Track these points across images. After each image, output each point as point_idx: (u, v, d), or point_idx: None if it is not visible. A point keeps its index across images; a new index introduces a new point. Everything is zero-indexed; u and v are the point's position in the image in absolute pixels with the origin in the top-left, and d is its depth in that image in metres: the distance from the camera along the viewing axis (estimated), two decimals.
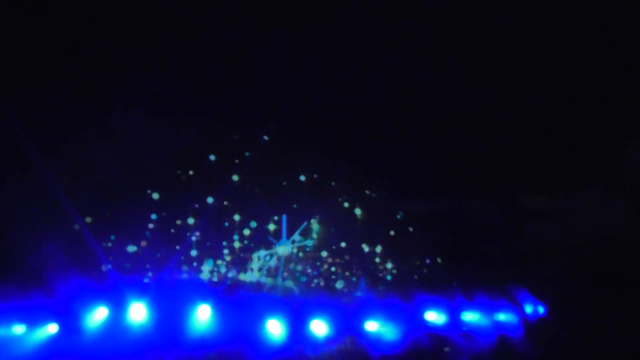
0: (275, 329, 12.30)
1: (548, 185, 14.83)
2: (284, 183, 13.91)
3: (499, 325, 13.13)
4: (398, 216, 14.20)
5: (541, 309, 13.56)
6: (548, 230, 14.77)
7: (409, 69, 14.11)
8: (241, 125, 13.95)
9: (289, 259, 13.49)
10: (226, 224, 13.70)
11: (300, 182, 13.98)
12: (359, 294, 13.24)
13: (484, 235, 14.48)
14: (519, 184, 14.79)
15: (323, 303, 12.59)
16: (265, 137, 13.78)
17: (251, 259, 13.62)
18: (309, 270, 13.59)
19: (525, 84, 14.17)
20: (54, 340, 11.87)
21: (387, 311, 12.55)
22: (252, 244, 13.62)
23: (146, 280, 12.90)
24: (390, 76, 14.29)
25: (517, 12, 13.49)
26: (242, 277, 13.58)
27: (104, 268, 12.72)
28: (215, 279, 13.49)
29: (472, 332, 12.95)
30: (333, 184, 14.04)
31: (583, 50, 13.87)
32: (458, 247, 14.12)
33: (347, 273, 13.57)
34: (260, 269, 13.55)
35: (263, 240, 13.59)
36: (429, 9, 13.52)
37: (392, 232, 14.07)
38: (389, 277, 13.76)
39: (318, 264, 13.61)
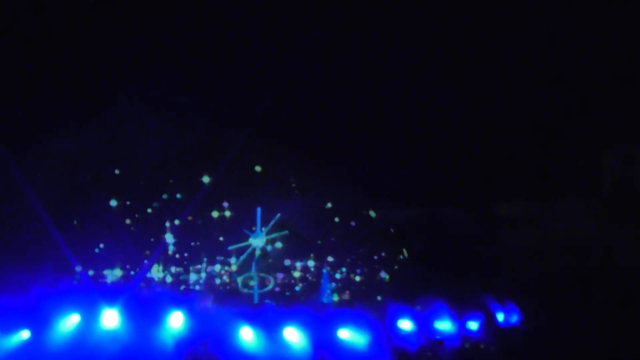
0: (247, 336, 12.29)
1: (524, 193, 14.90)
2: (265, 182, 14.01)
3: (471, 333, 13.16)
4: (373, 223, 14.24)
5: (515, 317, 13.58)
6: (524, 237, 14.83)
7: (389, 80, 14.19)
8: (222, 125, 13.99)
9: (263, 250, 13.54)
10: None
11: (275, 184, 14.08)
12: (324, 300, 13.33)
13: (459, 243, 14.53)
14: (495, 192, 14.85)
15: (296, 310, 12.60)
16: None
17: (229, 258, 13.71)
18: (280, 279, 13.68)
19: (500, 94, 14.23)
20: (26, 346, 11.80)
21: (360, 319, 12.55)
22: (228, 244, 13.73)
23: (142, 285, 12.93)
24: (369, 86, 14.36)
25: (492, 27, 13.57)
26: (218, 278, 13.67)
27: (76, 275, 12.67)
28: (190, 283, 13.55)
29: (445, 340, 12.96)
30: (306, 185, 14.12)
31: (558, 61, 13.94)
32: (433, 255, 14.16)
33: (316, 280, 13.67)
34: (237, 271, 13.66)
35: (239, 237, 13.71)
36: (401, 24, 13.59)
37: (366, 239, 14.11)
38: (363, 284, 13.83)
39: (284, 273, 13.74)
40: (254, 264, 13.64)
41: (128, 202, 13.76)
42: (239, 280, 13.59)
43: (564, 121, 14.62)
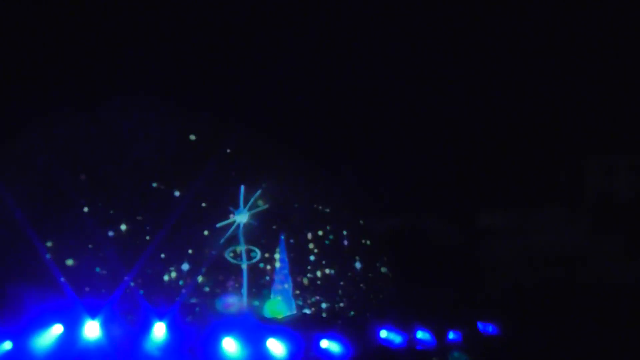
0: (230, 347, 12.32)
1: (506, 203, 14.97)
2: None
3: (450, 342, 13.23)
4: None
5: (496, 327, 13.65)
6: (506, 248, 14.89)
7: (373, 90, 14.29)
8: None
9: (247, 226, 14.07)
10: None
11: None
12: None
13: (441, 253, 14.60)
14: (477, 202, 14.93)
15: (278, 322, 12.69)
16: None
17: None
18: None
19: (483, 106, 14.32)
20: (8, 357, 11.80)
21: (341, 328, 12.62)
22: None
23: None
24: (355, 94, 14.44)
25: (475, 38, 13.66)
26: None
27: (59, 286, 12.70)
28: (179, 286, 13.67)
29: (426, 349, 13.03)
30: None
31: (540, 72, 14.04)
32: (414, 264, 14.22)
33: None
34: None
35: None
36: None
37: (348, 249, 14.18)
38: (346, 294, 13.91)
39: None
40: (240, 238, 14.07)
41: (112, 210, 13.74)
42: (227, 252, 13.89)
43: (546, 132, 14.71)
